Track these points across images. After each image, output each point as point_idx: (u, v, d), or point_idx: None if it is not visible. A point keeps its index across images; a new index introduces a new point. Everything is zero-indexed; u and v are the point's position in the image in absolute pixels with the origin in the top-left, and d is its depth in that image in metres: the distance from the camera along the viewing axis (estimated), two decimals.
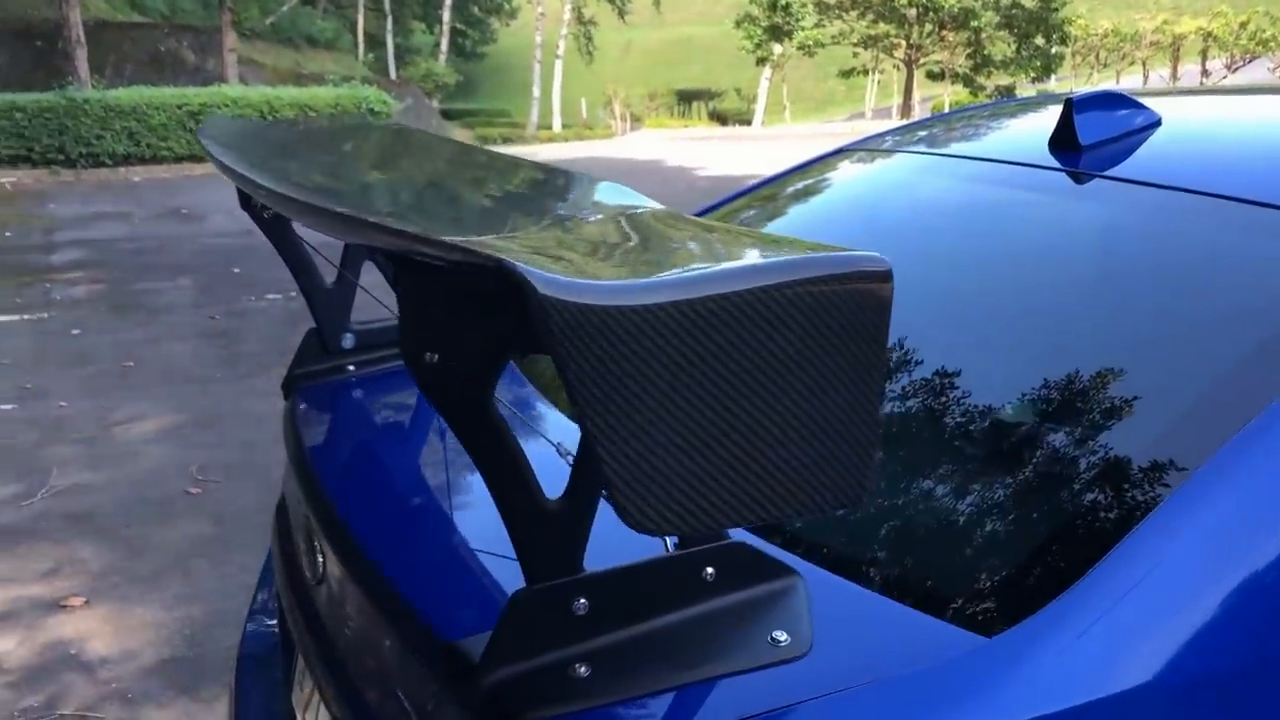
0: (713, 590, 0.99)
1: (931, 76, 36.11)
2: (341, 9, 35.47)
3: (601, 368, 0.74)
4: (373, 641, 1.29)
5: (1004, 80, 35.34)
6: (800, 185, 2.27)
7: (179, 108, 15.39)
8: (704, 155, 19.92)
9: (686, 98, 46.26)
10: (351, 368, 1.80)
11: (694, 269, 0.84)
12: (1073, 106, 1.75)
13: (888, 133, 2.44)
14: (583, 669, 0.93)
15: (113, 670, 2.95)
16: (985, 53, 33.83)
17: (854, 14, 34.30)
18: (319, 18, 31.92)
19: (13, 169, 14.75)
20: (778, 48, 34.91)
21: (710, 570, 0.98)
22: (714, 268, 0.84)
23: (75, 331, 6.69)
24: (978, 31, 33.05)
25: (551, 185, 1.36)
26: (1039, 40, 34.15)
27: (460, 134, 31.72)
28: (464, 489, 1.44)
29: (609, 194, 1.25)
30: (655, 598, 0.98)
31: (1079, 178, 1.76)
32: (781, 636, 0.98)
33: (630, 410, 0.76)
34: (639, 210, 1.11)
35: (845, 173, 2.22)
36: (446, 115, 34.32)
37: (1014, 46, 34.04)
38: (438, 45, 37.83)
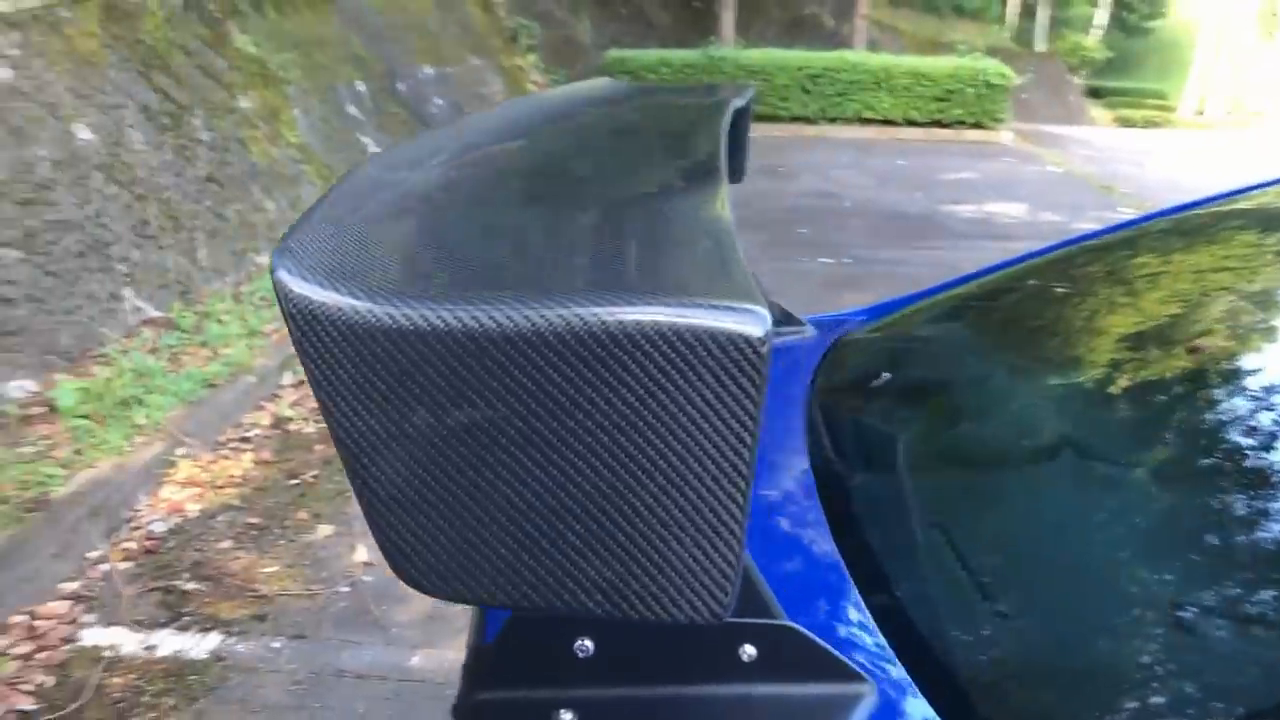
0: (747, 673, 0.84)
1: None
2: None
3: (346, 378, 0.65)
4: None
5: None
6: (1211, 216, 1.91)
7: (799, 70, 16.18)
8: None
9: None
10: None
11: (551, 293, 0.66)
12: None
13: None
14: (567, 716, 0.84)
15: None
16: None
17: None
18: None
19: None
20: None
21: (751, 650, 0.84)
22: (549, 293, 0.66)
23: None
24: None
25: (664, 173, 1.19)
26: None
27: (1099, 113, 29.87)
28: None
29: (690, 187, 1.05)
30: (673, 661, 0.86)
31: None
32: None
33: (384, 441, 0.66)
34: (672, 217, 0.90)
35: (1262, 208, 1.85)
36: (1093, 93, 32.40)
37: None
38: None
